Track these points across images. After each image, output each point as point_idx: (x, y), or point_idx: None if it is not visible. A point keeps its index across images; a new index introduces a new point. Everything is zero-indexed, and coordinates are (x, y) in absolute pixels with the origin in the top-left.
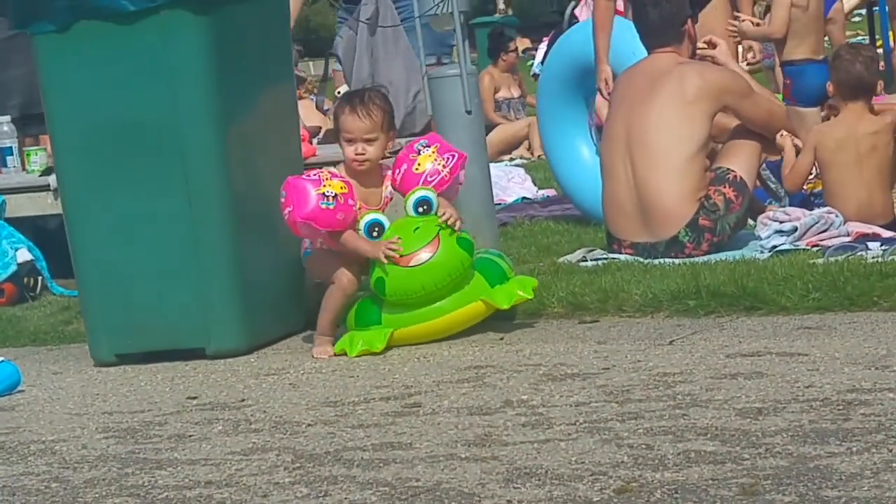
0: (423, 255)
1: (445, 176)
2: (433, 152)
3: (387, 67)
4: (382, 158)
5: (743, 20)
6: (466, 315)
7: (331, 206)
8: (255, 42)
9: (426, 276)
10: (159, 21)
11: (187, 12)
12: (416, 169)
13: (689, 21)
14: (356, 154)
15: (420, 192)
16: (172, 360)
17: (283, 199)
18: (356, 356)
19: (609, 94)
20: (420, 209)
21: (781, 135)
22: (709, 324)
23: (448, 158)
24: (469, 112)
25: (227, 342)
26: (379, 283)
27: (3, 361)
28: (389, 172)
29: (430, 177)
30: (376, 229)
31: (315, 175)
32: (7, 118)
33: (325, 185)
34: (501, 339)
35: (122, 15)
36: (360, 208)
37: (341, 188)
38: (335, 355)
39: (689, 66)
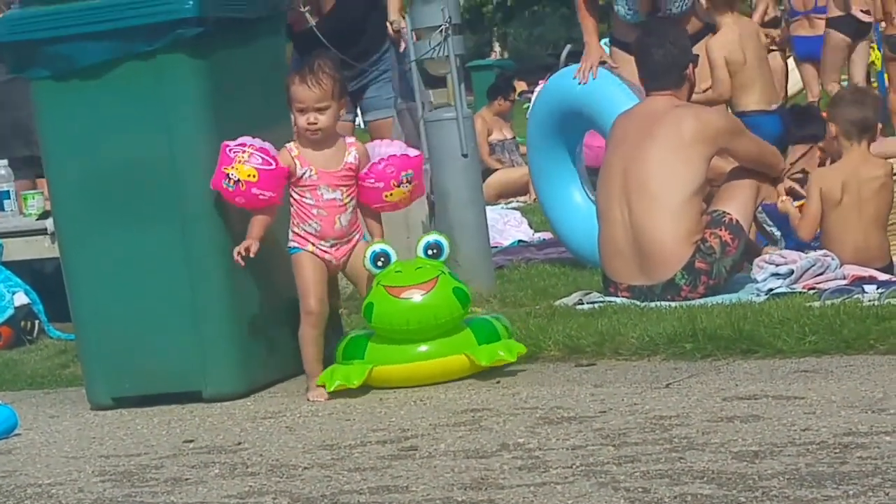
0: (416, 292)
1: (392, 208)
2: (408, 192)
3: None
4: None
5: None
6: (448, 365)
7: (230, 188)
8: (252, 87)
9: (413, 312)
10: (156, 66)
11: (184, 57)
12: (387, 197)
13: (691, 66)
14: (308, 124)
15: (433, 237)
16: (169, 403)
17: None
18: (332, 391)
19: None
20: (430, 252)
21: (781, 200)
22: (705, 367)
23: (413, 198)
24: (465, 155)
25: (224, 385)
26: (368, 308)
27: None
28: (353, 139)
29: (388, 207)
30: (381, 259)
31: (238, 149)
32: (5, 162)
33: (234, 167)
34: (498, 382)
35: (118, 59)
36: (315, 174)
37: (249, 175)
38: (328, 393)
39: (685, 109)
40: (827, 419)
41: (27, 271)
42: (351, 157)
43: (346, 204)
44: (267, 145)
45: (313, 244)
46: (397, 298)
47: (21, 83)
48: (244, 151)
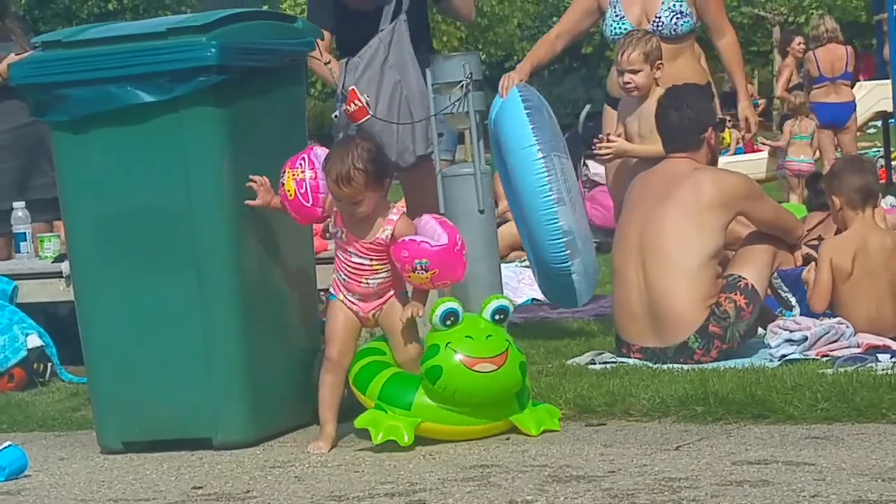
0: (489, 365)
1: (429, 288)
2: (428, 277)
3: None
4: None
5: (619, 134)
6: (492, 429)
7: (298, 191)
8: (271, 136)
9: (484, 387)
10: (176, 112)
11: (204, 104)
12: (408, 277)
13: (711, 130)
14: (348, 214)
15: (500, 302)
16: (179, 449)
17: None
18: (378, 443)
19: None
20: (497, 317)
21: (807, 270)
22: (716, 430)
23: (437, 286)
24: (482, 211)
25: (235, 433)
26: (434, 371)
27: (10, 446)
28: (393, 215)
29: (413, 285)
30: (451, 319)
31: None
32: (22, 204)
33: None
34: (507, 438)
35: (138, 106)
36: (345, 237)
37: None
38: (375, 444)
39: (704, 173)
40: (837, 486)
41: (41, 314)
42: (384, 234)
43: (375, 269)
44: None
45: (343, 294)
46: (470, 370)
47: (40, 126)
48: (302, 178)
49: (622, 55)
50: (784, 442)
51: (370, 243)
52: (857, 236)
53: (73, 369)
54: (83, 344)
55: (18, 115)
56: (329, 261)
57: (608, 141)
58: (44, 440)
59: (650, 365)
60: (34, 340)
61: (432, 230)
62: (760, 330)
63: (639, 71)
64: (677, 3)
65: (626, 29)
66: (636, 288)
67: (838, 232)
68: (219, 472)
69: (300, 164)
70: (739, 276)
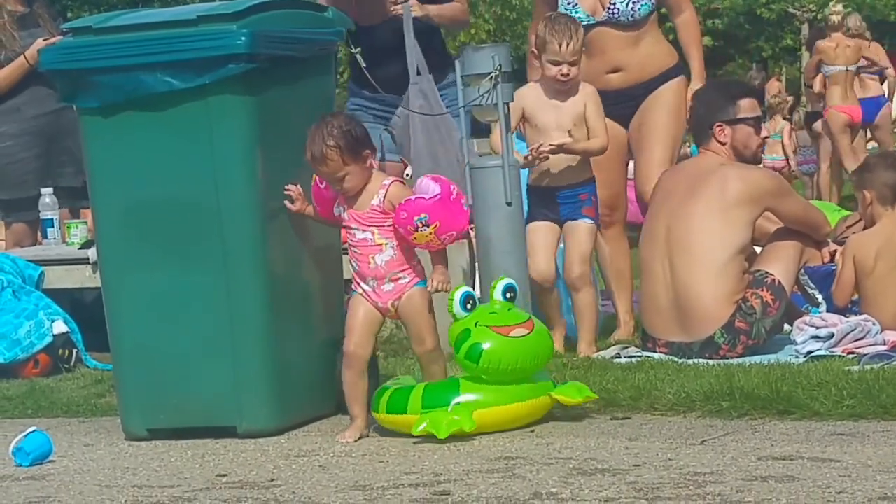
0: (522, 329)
1: (437, 248)
2: (431, 233)
3: (442, 146)
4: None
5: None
6: (532, 408)
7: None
8: (299, 125)
9: (524, 348)
10: (205, 100)
11: (233, 92)
12: (414, 240)
13: (718, 126)
14: (338, 190)
15: (507, 281)
16: (203, 437)
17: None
18: (446, 436)
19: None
20: (508, 295)
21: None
22: (741, 426)
23: (445, 239)
24: (510, 203)
25: (259, 422)
26: (473, 349)
27: (35, 431)
28: (386, 181)
29: (423, 247)
30: (470, 301)
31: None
32: (49, 190)
33: None
34: (532, 431)
35: (167, 93)
36: (346, 213)
37: (312, 183)
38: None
39: (731, 169)
40: (862, 483)
41: (67, 300)
42: (376, 199)
43: (380, 244)
44: None
45: (361, 286)
46: (507, 337)
47: (69, 112)
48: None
49: (561, 46)
50: (809, 438)
51: (368, 213)
52: (883, 232)
53: (98, 356)
54: (109, 330)
55: (46, 101)
56: None
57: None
58: (68, 426)
59: (676, 360)
60: (60, 326)
61: (425, 186)
62: (786, 326)
63: (578, 62)
64: None
65: (579, 17)
66: (663, 283)
67: (867, 228)
68: (243, 460)
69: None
70: (766, 272)
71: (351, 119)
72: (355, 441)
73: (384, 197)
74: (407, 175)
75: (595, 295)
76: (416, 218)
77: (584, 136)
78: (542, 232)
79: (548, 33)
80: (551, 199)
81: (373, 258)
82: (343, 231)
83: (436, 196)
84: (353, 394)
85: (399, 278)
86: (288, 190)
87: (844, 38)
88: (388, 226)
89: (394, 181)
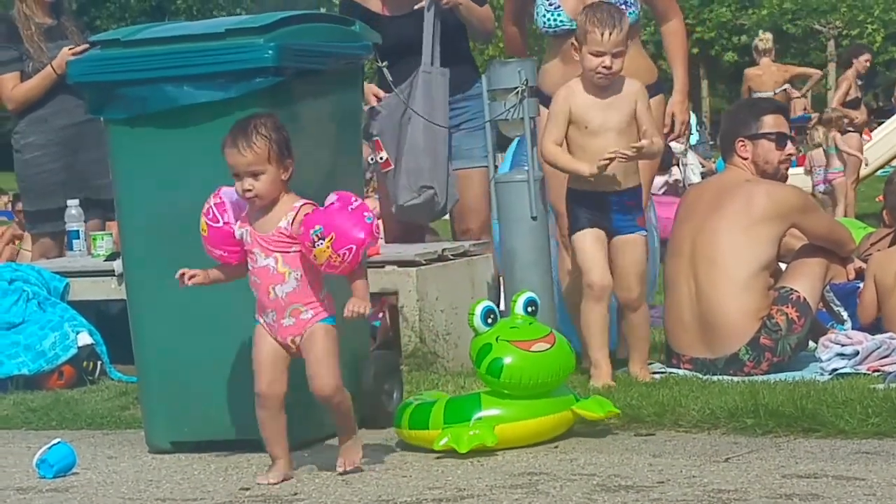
0: (543, 344)
1: (344, 269)
2: (328, 247)
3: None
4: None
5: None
6: (554, 422)
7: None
8: (325, 139)
9: (545, 363)
10: (231, 113)
11: (260, 106)
12: (314, 258)
13: (740, 141)
14: (244, 190)
15: (529, 294)
16: (227, 450)
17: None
18: (466, 451)
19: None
20: (529, 309)
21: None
22: (766, 443)
23: (344, 254)
24: (535, 218)
25: None
26: (496, 364)
27: (59, 443)
28: (298, 202)
29: (327, 269)
30: (491, 316)
31: (208, 201)
32: (76, 202)
33: (202, 218)
34: (556, 446)
35: (194, 106)
36: (250, 236)
37: (202, 230)
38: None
39: (757, 185)
40: (888, 502)
41: (92, 311)
42: (285, 221)
43: (282, 274)
44: (230, 199)
45: (262, 315)
46: (528, 352)
47: (96, 124)
48: (208, 203)
49: (603, 35)
50: (834, 456)
51: (273, 237)
52: None
53: (123, 368)
54: (134, 343)
55: (73, 112)
56: (380, 265)
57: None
58: (92, 438)
59: (700, 376)
60: (84, 338)
61: (328, 200)
62: (812, 343)
63: (622, 53)
64: None
65: (561, 21)
66: (688, 298)
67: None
68: None
69: (210, 210)
70: (791, 289)
71: (280, 124)
72: (278, 484)
73: (293, 219)
74: (384, 169)
75: (648, 314)
76: (311, 231)
77: (636, 137)
78: (591, 239)
79: (588, 22)
80: (600, 203)
81: (273, 289)
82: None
83: (331, 205)
84: (270, 434)
85: (301, 312)
86: (180, 279)
87: (771, 64)
88: (294, 252)
89: (305, 203)
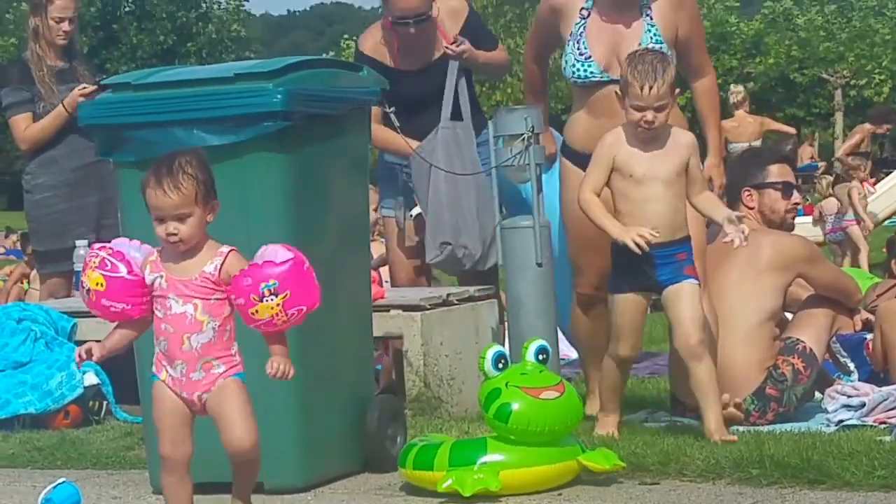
0: (553, 392)
1: (281, 328)
2: (279, 304)
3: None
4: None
5: None
6: (559, 471)
7: (84, 298)
8: (333, 182)
9: (553, 411)
10: (240, 157)
11: (268, 150)
12: (254, 314)
13: (746, 191)
14: (167, 234)
15: (540, 342)
16: (229, 492)
17: None
18: (470, 495)
19: None
20: (540, 357)
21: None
22: (771, 494)
23: (293, 315)
24: (540, 265)
25: (286, 479)
26: (504, 409)
27: (64, 483)
28: (224, 249)
29: (260, 325)
30: (502, 361)
31: (92, 254)
32: (84, 242)
33: (86, 274)
34: (560, 494)
35: (202, 149)
36: (165, 281)
37: (97, 284)
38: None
39: (763, 236)
40: None
41: None
42: (210, 266)
43: (200, 322)
44: (127, 249)
45: (165, 369)
46: (538, 399)
47: (105, 165)
48: (96, 256)
49: (643, 88)
50: None
51: (195, 282)
52: None
53: (128, 408)
54: (139, 383)
55: (84, 153)
56: (385, 309)
57: None
58: (97, 478)
59: None
60: (91, 378)
61: (272, 252)
62: (818, 394)
63: (665, 107)
64: (656, 43)
65: (592, 72)
66: None
67: None
68: None
69: (90, 257)
70: (798, 339)
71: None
72: None
73: (220, 265)
74: (410, 215)
75: (713, 367)
76: (262, 285)
77: (683, 188)
78: (632, 307)
79: (630, 73)
80: (645, 259)
81: (188, 338)
82: (154, 305)
83: (287, 262)
84: (176, 501)
85: (212, 366)
86: (78, 359)
87: (746, 115)
88: (215, 301)
89: (232, 250)
